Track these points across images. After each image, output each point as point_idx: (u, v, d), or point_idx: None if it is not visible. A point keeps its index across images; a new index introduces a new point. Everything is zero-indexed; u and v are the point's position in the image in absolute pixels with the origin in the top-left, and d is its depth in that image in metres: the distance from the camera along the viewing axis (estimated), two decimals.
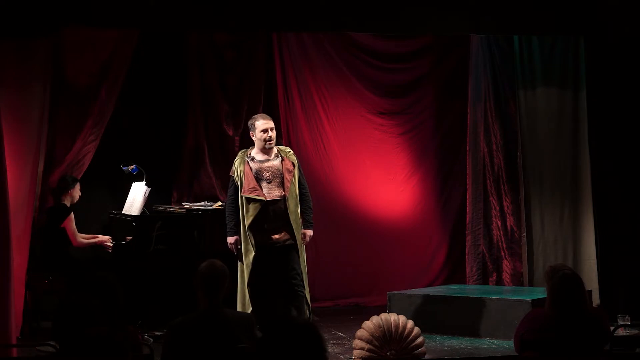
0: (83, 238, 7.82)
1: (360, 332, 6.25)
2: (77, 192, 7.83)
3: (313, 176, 8.77)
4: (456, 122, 9.28)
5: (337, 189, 9.23)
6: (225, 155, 8.72)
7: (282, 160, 7.07)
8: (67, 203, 7.75)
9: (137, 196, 7.95)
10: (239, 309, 6.86)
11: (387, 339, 6.16)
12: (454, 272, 9.29)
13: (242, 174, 7.02)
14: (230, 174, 7.15)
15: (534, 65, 8.50)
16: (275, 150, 7.10)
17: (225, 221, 7.11)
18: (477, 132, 8.88)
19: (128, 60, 8.11)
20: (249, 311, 6.79)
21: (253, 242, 6.97)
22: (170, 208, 8.38)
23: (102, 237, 7.92)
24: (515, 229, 8.70)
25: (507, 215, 8.75)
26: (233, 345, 4.57)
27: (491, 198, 8.84)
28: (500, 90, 8.79)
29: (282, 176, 7.01)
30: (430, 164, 9.42)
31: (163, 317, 6.96)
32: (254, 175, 6.99)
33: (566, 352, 4.68)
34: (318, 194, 8.66)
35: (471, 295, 7.70)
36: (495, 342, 7.21)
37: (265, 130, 7.02)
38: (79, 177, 7.93)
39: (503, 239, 8.78)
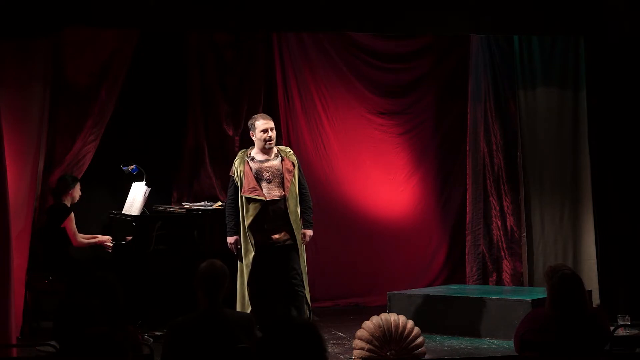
0: (83, 238, 7.81)
1: (360, 332, 6.25)
2: (77, 192, 7.82)
3: (313, 176, 8.76)
4: (456, 122, 9.28)
5: (337, 189, 9.23)
6: (225, 155, 8.72)
7: (282, 160, 7.06)
8: (67, 203, 7.74)
9: (137, 196, 7.95)
10: (238, 309, 6.86)
11: (387, 339, 6.15)
12: (454, 272, 9.29)
13: (242, 174, 7.01)
14: (230, 174, 7.15)
15: (534, 65, 8.50)
16: (275, 150, 7.10)
17: (225, 221, 7.10)
18: (477, 132, 8.88)
19: (128, 60, 8.12)
20: (248, 311, 6.79)
21: (253, 242, 6.96)
22: (170, 208, 8.37)
23: (102, 237, 7.91)
24: (515, 229, 8.70)
25: (507, 215, 8.75)
26: (233, 345, 4.57)
27: (491, 198, 8.84)
28: (500, 90, 8.80)
29: (282, 176, 7.01)
30: (430, 164, 9.42)
31: (163, 317, 6.95)
32: (254, 175, 6.99)
33: (566, 352, 4.68)
34: (318, 194, 8.67)
35: (471, 295, 7.69)
36: (495, 342, 7.20)
37: (265, 130, 7.02)
38: (79, 177, 7.93)
39: (503, 239, 8.78)
